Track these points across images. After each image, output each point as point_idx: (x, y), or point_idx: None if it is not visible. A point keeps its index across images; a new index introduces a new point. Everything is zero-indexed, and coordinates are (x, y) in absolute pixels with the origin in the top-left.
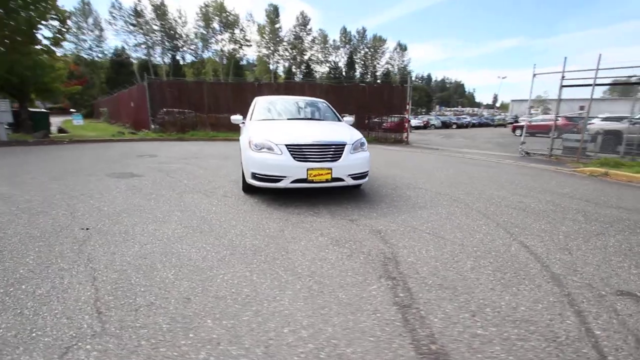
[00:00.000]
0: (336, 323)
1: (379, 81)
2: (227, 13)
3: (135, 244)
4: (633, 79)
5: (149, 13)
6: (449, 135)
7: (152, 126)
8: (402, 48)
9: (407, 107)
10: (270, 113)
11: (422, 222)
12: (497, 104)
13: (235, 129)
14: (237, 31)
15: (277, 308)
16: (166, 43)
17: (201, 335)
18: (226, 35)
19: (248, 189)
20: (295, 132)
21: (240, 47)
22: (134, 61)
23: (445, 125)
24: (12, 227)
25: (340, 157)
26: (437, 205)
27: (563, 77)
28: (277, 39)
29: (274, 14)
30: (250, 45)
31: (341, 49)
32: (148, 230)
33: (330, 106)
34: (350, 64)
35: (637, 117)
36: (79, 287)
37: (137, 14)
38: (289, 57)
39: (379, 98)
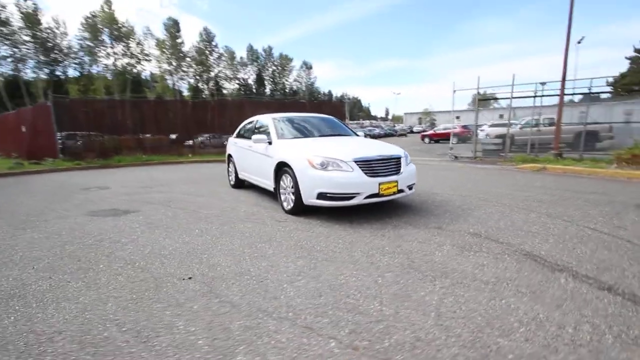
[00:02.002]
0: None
1: (287, 98)
2: (119, 25)
3: (296, 284)
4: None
5: (16, 22)
6: None
7: (60, 155)
8: (307, 67)
9: (346, 121)
10: (297, 131)
11: (496, 221)
12: (389, 117)
13: (173, 152)
14: (132, 44)
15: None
16: (41, 56)
17: None
18: (119, 49)
19: (296, 211)
20: (348, 148)
21: (139, 62)
22: None
23: None
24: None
25: (400, 169)
26: (479, 207)
27: (478, 92)
28: (180, 55)
29: (174, 28)
30: (150, 60)
31: (249, 66)
32: (281, 276)
33: (341, 122)
34: (260, 80)
35: (514, 122)
36: None
37: (1, 22)
38: (194, 74)
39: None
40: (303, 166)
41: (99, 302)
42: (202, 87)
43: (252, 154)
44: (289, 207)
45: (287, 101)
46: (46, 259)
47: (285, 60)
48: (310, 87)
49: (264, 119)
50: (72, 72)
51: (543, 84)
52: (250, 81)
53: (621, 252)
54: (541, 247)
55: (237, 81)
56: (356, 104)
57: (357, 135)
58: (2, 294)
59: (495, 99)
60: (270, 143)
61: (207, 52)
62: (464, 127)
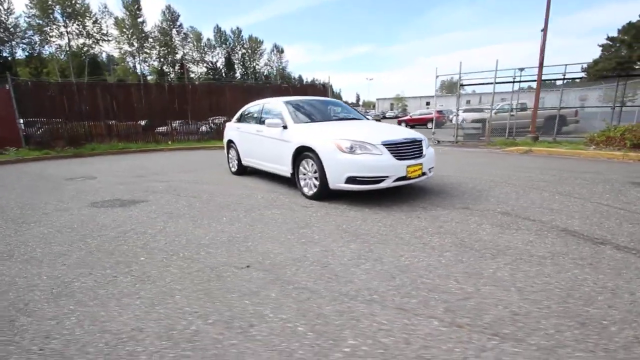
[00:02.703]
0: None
1: (259, 81)
2: (73, 1)
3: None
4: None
5: None
6: None
7: (25, 144)
8: (278, 50)
9: None
10: (312, 115)
11: (516, 200)
12: (360, 102)
13: (146, 139)
14: (89, 23)
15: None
16: None
17: None
18: (74, 28)
19: (319, 196)
20: (373, 131)
21: (96, 43)
22: None
23: None
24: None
25: (422, 152)
26: (492, 187)
27: (460, 77)
28: (142, 35)
29: (133, 5)
30: (109, 41)
31: (217, 48)
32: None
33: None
34: (229, 64)
35: (487, 107)
36: None
37: None
38: (158, 56)
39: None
40: (330, 150)
41: (164, 296)
42: (167, 70)
43: (262, 139)
44: (311, 192)
45: (270, 85)
46: (73, 254)
47: (255, 44)
48: (282, 72)
49: (274, 103)
50: (20, 54)
51: (522, 69)
52: (219, 65)
53: None
54: (572, 223)
55: (204, 64)
56: (327, 89)
57: (368, 118)
58: (45, 293)
59: (478, 84)
60: (285, 127)
61: (171, 32)
62: (440, 112)
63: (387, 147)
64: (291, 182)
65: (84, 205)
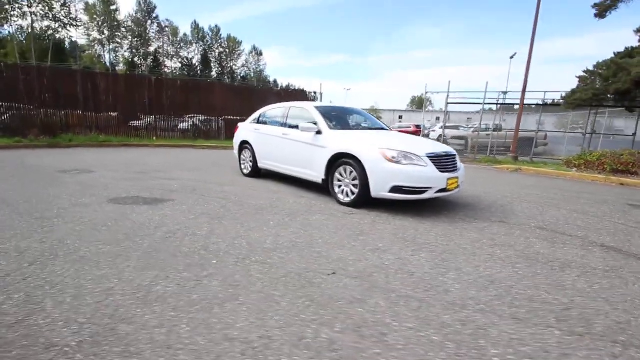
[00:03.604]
0: None
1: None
2: None
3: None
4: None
5: None
6: None
7: None
8: (257, 52)
9: None
10: (344, 123)
11: (541, 215)
12: None
13: (122, 132)
14: (57, 6)
15: None
16: None
17: None
18: (39, 9)
19: (357, 204)
20: (413, 142)
21: (64, 27)
22: None
23: None
24: None
25: (457, 165)
26: (510, 203)
27: (448, 95)
28: (115, 24)
29: None
30: (78, 27)
31: (194, 45)
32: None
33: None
34: (205, 62)
35: (462, 126)
36: None
37: None
38: (130, 47)
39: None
40: (375, 158)
41: (269, 302)
42: (138, 62)
43: (287, 143)
44: (347, 199)
45: (262, 88)
46: (129, 255)
47: (233, 43)
48: (260, 75)
49: (304, 108)
50: None
51: (505, 93)
52: (195, 61)
53: None
54: (605, 240)
55: (179, 59)
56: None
57: (391, 129)
58: (128, 297)
59: (468, 103)
60: (319, 133)
61: (146, 24)
62: (417, 126)
63: (430, 159)
64: (315, 187)
65: (102, 201)
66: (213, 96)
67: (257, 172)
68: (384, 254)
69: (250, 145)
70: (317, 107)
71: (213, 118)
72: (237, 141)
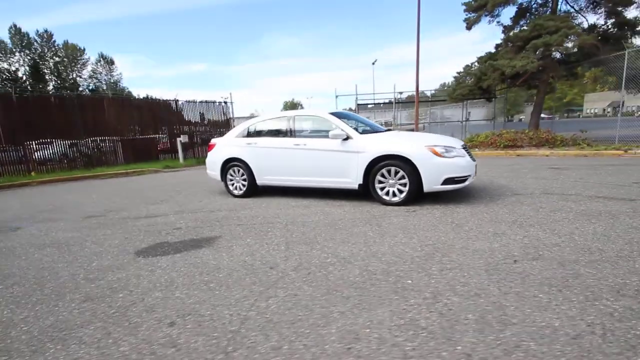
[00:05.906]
0: None
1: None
2: None
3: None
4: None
5: None
6: None
7: None
8: (107, 61)
9: (232, 123)
10: (362, 127)
11: (534, 184)
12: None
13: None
14: None
15: None
16: None
17: None
18: None
19: (406, 201)
20: (440, 137)
21: None
22: None
23: None
24: None
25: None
26: (497, 178)
27: (357, 98)
28: None
29: None
30: None
31: (17, 54)
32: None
33: None
34: (37, 74)
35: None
36: None
37: None
38: None
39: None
40: (425, 156)
41: (495, 323)
42: None
43: (304, 153)
44: (394, 199)
45: (151, 101)
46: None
47: (74, 51)
48: (114, 86)
49: (319, 116)
50: None
51: (401, 93)
52: (20, 74)
53: None
54: (608, 194)
55: None
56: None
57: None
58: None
59: (381, 104)
60: (347, 139)
61: None
62: None
63: (464, 150)
64: (336, 193)
65: (130, 253)
66: (102, 113)
67: (254, 191)
68: (527, 231)
69: (243, 162)
70: (333, 114)
71: (107, 139)
72: (217, 160)
